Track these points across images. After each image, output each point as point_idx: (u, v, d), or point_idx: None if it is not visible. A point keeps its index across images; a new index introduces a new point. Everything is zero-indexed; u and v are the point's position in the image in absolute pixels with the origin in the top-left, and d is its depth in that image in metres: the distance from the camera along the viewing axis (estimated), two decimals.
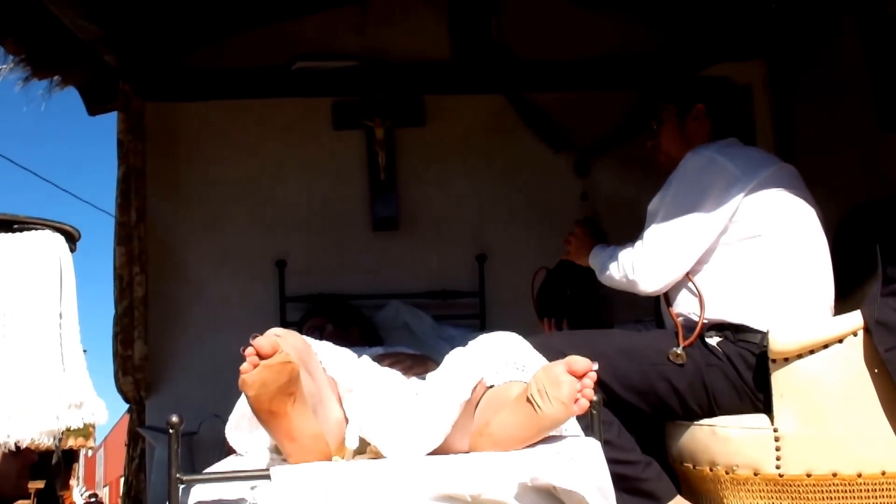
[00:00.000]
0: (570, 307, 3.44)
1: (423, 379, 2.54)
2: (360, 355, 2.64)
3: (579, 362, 2.10)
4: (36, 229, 2.33)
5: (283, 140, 4.29)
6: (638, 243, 2.92)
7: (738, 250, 2.81)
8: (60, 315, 2.28)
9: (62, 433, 2.23)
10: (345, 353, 2.50)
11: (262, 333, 2.09)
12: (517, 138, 4.28)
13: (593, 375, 2.11)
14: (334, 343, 3.13)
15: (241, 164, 4.25)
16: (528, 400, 2.12)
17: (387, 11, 4.27)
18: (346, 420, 2.37)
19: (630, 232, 3.45)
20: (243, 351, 2.04)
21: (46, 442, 2.22)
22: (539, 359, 2.42)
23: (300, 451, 2.14)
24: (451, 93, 4.31)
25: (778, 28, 3.58)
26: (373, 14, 4.28)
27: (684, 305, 2.86)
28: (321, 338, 3.38)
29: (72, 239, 2.40)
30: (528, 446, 2.20)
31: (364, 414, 2.33)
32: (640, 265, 2.87)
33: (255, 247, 4.20)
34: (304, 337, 2.34)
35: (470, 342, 2.47)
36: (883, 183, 3.13)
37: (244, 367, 2.04)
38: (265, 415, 2.08)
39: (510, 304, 4.14)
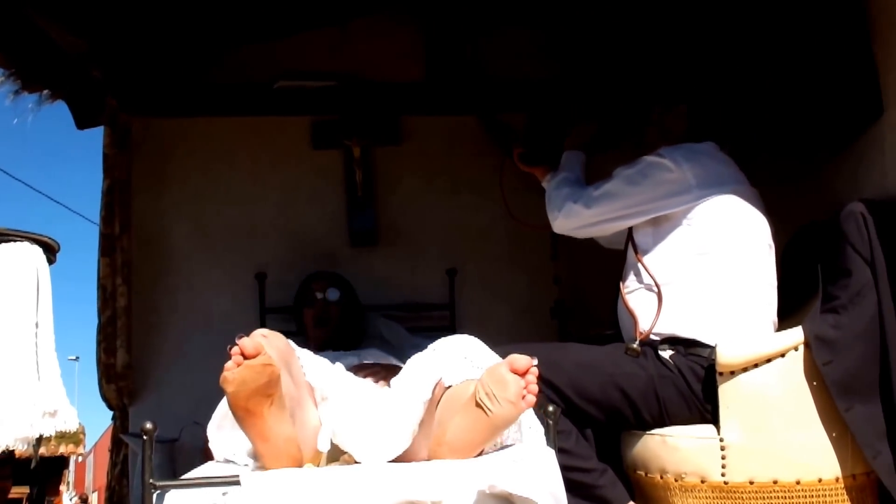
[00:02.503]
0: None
1: None
2: (334, 362, 2.71)
3: (520, 360, 2.17)
4: (14, 241, 2.37)
5: (265, 156, 4.34)
6: (582, 191, 3.13)
7: (692, 266, 2.90)
8: (36, 325, 2.34)
9: (50, 440, 2.30)
10: (322, 362, 2.57)
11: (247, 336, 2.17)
12: (488, 157, 4.30)
13: (535, 371, 2.18)
14: (322, 319, 3.51)
15: (223, 178, 4.31)
16: (478, 404, 2.18)
17: (365, 34, 4.33)
18: (321, 424, 2.44)
19: (595, 247, 3.57)
20: (229, 350, 2.12)
21: (21, 448, 2.27)
22: (494, 357, 2.48)
23: (272, 452, 2.20)
24: (427, 113, 4.38)
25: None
26: (351, 36, 4.34)
27: (642, 308, 2.95)
28: (323, 301, 3.75)
29: (51, 250, 2.45)
30: (484, 451, 2.27)
31: (336, 419, 2.39)
32: (566, 210, 3.13)
33: (237, 259, 4.25)
34: (289, 341, 2.40)
35: (429, 345, 2.55)
36: (825, 206, 3.20)
37: (228, 364, 2.11)
38: (241, 412, 2.15)
39: (479, 316, 4.23)
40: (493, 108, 4.33)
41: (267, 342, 2.20)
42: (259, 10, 4.06)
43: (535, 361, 2.18)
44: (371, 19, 4.34)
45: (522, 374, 2.17)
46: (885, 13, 3.03)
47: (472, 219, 4.37)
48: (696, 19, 3.70)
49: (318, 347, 3.71)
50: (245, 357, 2.11)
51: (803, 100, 3.37)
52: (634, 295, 3.00)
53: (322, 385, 2.44)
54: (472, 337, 2.56)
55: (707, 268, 2.88)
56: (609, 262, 3.69)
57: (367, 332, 4.06)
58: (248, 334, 2.19)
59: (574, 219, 3.13)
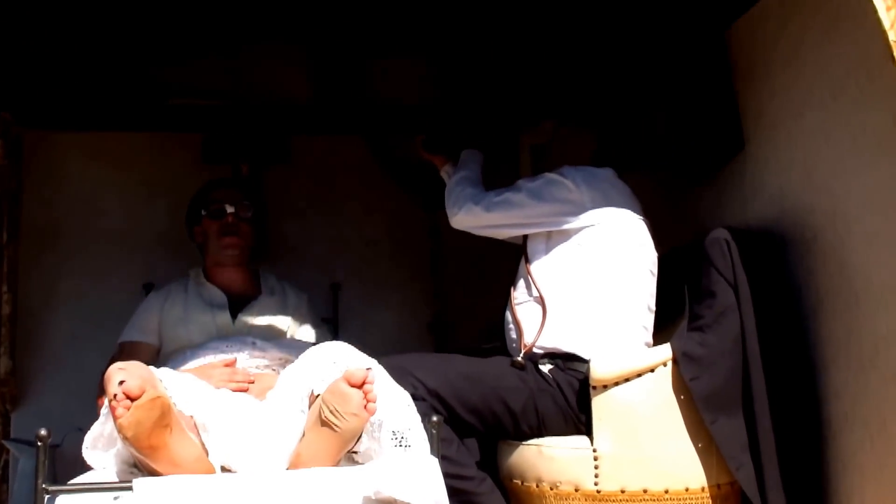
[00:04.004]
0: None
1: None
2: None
3: (356, 375, 2.20)
4: None
5: (156, 170, 4.20)
6: (484, 194, 3.10)
7: (577, 284, 2.90)
8: None
9: None
10: (193, 384, 2.46)
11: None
12: (373, 176, 4.30)
13: (372, 379, 2.20)
14: (231, 231, 3.46)
15: (115, 190, 4.16)
16: (324, 422, 2.18)
17: (255, 57, 4.25)
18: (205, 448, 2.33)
19: (475, 259, 3.60)
20: (114, 398, 2.02)
21: None
22: (364, 360, 2.44)
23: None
24: (315, 134, 4.31)
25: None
26: (243, 58, 4.25)
27: (529, 321, 2.94)
28: (234, 216, 3.48)
29: None
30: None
31: (224, 446, 2.31)
32: (466, 208, 3.08)
33: (126, 269, 4.09)
34: (150, 367, 2.29)
35: (301, 355, 2.49)
36: (692, 232, 3.26)
37: (118, 412, 2.02)
38: (147, 450, 2.06)
39: (362, 330, 4.14)
40: (379, 129, 4.30)
41: (127, 373, 2.10)
42: (151, 37, 3.96)
43: (371, 370, 2.22)
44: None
45: (360, 386, 2.19)
46: (744, 53, 3.14)
47: (356, 235, 4.30)
48: (600, 47, 3.73)
49: (217, 263, 3.53)
50: (132, 399, 2.02)
51: (676, 132, 3.43)
52: (523, 307, 2.99)
53: (199, 413, 2.34)
54: (340, 342, 2.53)
55: (591, 287, 2.89)
56: (487, 279, 3.72)
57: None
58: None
59: (472, 219, 3.09)
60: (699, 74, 3.26)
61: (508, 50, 3.95)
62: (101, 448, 2.26)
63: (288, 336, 3.49)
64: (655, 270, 3.00)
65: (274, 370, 3.06)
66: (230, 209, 3.52)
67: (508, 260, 3.24)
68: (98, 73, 4.11)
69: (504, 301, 3.10)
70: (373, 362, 2.41)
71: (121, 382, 2.03)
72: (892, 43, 2.08)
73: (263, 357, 3.13)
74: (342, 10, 3.79)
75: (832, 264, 2.65)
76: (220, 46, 4.19)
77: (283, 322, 3.51)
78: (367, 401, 2.18)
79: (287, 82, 4.30)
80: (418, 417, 2.39)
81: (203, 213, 3.57)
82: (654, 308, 2.97)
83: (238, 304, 3.47)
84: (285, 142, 4.30)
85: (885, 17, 2.09)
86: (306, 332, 3.57)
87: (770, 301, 2.72)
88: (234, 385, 2.81)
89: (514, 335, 2.99)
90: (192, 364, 3.06)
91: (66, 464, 3.44)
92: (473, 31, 3.93)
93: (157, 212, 4.17)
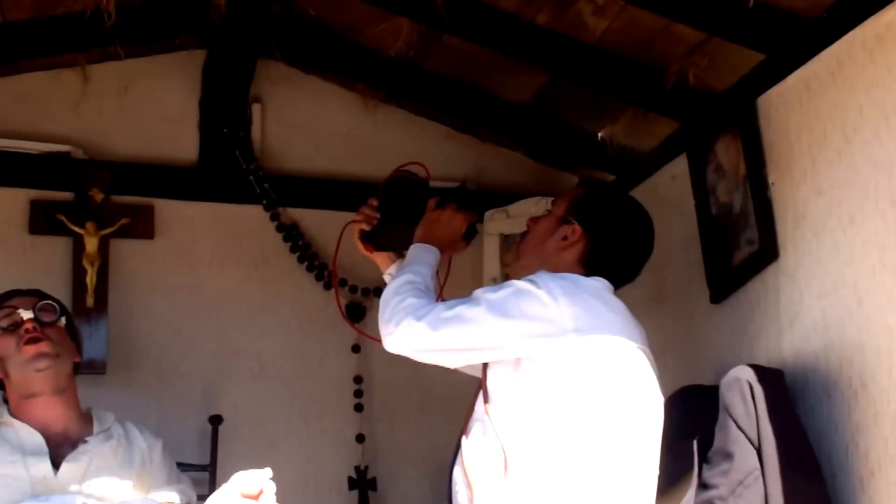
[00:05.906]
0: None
1: None
2: None
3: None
4: None
5: None
6: (431, 307, 3.16)
7: (551, 434, 2.96)
8: None
9: None
10: None
11: None
12: (278, 265, 4.48)
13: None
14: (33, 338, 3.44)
15: None
16: None
17: (117, 85, 4.47)
18: None
19: (414, 390, 3.93)
20: None
21: None
22: None
23: None
24: (193, 199, 4.49)
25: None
26: (97, 85, 4.44)
27: (483, 480, 2.99)
28: (34, 321, 3.50)
29: None
30: None
31: None
32: (406, 325, 3.13)
33: None
34: None
35: None
36: (705, 368, 3.52)
37: None
38: None
39: None
40: (284, 200, 4.53)
41: None
42: None
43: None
44: (122, 67, 4.46)
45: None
46: (779, 133, 3.41)
47: (248, 346, 4.42)
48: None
49: (27, 395, 3.51)
50: None
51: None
52: (476, 460, 3.04)
53: None
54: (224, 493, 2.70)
55: (569, 438, 2.93)
56: (430, 418, 3.93)
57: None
58: None
59: (413, 339, 3.14)
60: (721, 152, 3.54)
61: None
62: None
63: (133, 497, 3.49)
64: (660, 417, 3.08)
65: None
66: (27, 314, 3.59)
67: (460, 394, 3.36)
68: None
69: (452, 451, 3.18)
70: None
71: None
72: None
73: None
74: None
75: (887, 422, 2.85)
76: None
77: (127, 476, 3.52)
78: None
79: (161, 126, 4.52)
80: None
81: None
82: (656, 470, 3.04)
83: (62, 448, 3.48)
84: (149, 209, 4.47)
85: None
86: (161, 493, 3.57)
87: (805, 468, 2.91)
88: None
89: (463, 498, 3.06)
90: None
91: None
92: None
93: None
